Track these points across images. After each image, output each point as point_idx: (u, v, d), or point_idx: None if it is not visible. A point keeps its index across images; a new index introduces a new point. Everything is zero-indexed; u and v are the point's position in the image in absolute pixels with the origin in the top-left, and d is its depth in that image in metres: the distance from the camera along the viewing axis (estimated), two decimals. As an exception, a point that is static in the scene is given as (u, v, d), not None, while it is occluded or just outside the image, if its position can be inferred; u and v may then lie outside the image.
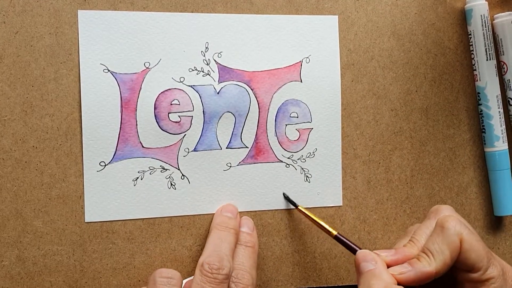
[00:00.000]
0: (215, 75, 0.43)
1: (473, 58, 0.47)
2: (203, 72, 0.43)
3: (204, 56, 0.43)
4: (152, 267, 0.43)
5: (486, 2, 0.47)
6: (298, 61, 0.45)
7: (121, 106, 0.42)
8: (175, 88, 0.43)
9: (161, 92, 0.43)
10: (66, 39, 0.42)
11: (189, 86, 0.43)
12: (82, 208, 0.42)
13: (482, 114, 0.48)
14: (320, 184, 0.46)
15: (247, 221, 0.44)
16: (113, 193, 0.42)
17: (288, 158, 0.45)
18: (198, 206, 0.44)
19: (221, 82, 0.44)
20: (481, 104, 0.48)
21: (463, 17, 0.48)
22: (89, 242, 0.42)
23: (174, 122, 0.43)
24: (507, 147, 0.47)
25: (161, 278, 0.38)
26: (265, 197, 0.45)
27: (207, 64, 0.43)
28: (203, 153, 0.44)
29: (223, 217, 0.43)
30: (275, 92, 0.44)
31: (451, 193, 0.48)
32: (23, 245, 0.41)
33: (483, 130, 0.48)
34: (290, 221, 0.45)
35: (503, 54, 0.47)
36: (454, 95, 0.48)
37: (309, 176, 0.45)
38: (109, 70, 0.42)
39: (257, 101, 0.44)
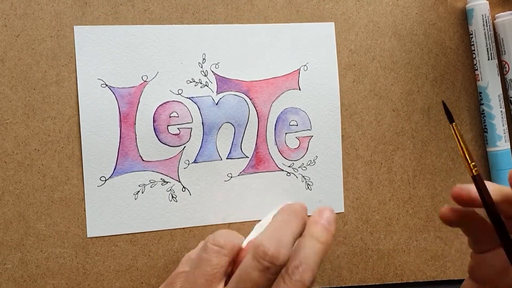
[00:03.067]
0: (213, 86, 0.43)
1: (474, 58, 0.47)
2: (201, 83, 0.43)
3: (201, 67, 0.43)
4: (154, 269, 0.43)
5: (487, 2, 0.47)
6: (296, 69, 0.45)
7: (120, 121, 0.42)
8: (173, 101, 0.43)
9: (160, 105, 0.43)
10: (67, 41, 0.42)
11: (187, 98, 0.43)
12: (84, 211, 0.42)
13: (484, 113, 0.48)
14: (321, 192, 0.46)
15: (327, 211, 0.35)
16: (114, 208, 0.42)
17: (289, 166, 0.45)
18: (200, 218, 0.44)
19: (219, 93, 0.43)
20: (483, 104, 0.47)
21: (464, 17, 0.48)
22: (91, 244, 0.42)
23: (173, 134, 0.43)
24: (509, 147, 0.47)
25: (213, 245, 0.34)
26: (267, 206, 0.45)
27: (205, 75, 0.43)
28: (203, 164, 0.44)
29: (294, 205, 0.36)
30: (273, 101, 0.44)
31: (454, 193, 0.48)
32: (26, 248, 0.41)
33: (485, 130, 0.48)
34: (293, 222, 0.45)
35: (504, 54, 0.47)
36: (455, 95, 0.48)
37: (310, 184, 0.45)
38: (106, 85, 0.42)
39: (256, 110, 0.44)
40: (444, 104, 0.36)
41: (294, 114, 0.45)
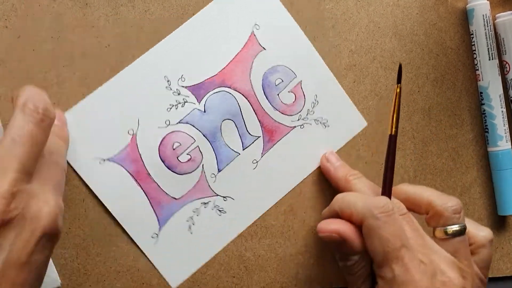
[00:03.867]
0: (192, 98, 0.43)
1: (475, 58, 0.47)
2: (180, 103, 0.43)
3: (170, 89, 0.43)
4: (155, 270, 0.43)
5: (488, 2, 0.47)
6: (250, 33, 0.44)
7: (136, 181, 0.42)
8: (167, 134, 0.43)
9: (159, 145, 0.43)
10: (68, 43, 0.42)
11: (177, 123, 0.43)
12: (85, 211, 0.42)
13: (485, 113, 0.48)
14: (338, 120, 0.46)
15: (60, 113, 0.40)
16: (179, 252, 0.43)
17: (298, 120, 0.45)
18: (251, 214, 0.44)
19: (201, 100, 0.43)
20: (483, 104, 0.47)
21: (465, 17, 0.48)
22: (92, 245, 0.42)
23: (186, 162, 0.43)
24: (510, 147, 0.47)
25: (31, 106, 0.32)
26: (302, 164, 0.45)
27: (179, 94, 0.43)
28: (227, 167, 0.44)
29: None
30: (250, 74, 0.44)
31: (455, 193, 0.48)
32: (27, 249, 0.41)
33: (486, 130, 0.48)
34: (294, 223, 0.45)
35: (505, 54, 0.47)
36: (456, 95, 0.48)
37: (325, 121, 0.45)
38: (104, 159, 0.42)
39: (240, 93, 0.44)
40: (400, 67, 0.39)
41: (275, 73, 0.45)
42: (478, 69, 0.47)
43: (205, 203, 0.43)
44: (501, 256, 0.49)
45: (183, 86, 0.43)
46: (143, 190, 0.42)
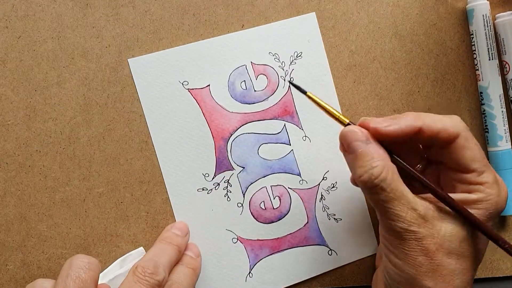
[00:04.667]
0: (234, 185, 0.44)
1: (475, 58, 0.47)
2: (218, 183, 0.44)
3: (205, 178, 0.44)
4: (156, 270, 0.43)
5: (488, 2, 0.47)
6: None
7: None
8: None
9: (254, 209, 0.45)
10: (69, 43, 0.42)
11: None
12: (85, 211, 0.42)
13: (485, 114, 0.48)
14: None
15: (192, 246, 0.44)
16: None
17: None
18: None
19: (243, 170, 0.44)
20: (483, 104, 0.47)
21: (465, 17, 0.48)
22: (93, 245, 0.42)
23: (275, 208, 0.45)
24: (510, 147, 0.47)
25: (79, 261, 0.36)
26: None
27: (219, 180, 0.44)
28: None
29: (170, 233, 0.42)
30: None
31: (455, 193, 0.48)
32: (28, 249, 0.41)
33: (486, 130, 0.48)
34: (294, 223, 0.45)
35: (505, 54, 0.47)
36: (456, 95, 0.48)
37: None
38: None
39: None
40: (290, 82, 0.44)
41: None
42: (478, 69, 0.47)
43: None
44: (501, 256, 0.49)
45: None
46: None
